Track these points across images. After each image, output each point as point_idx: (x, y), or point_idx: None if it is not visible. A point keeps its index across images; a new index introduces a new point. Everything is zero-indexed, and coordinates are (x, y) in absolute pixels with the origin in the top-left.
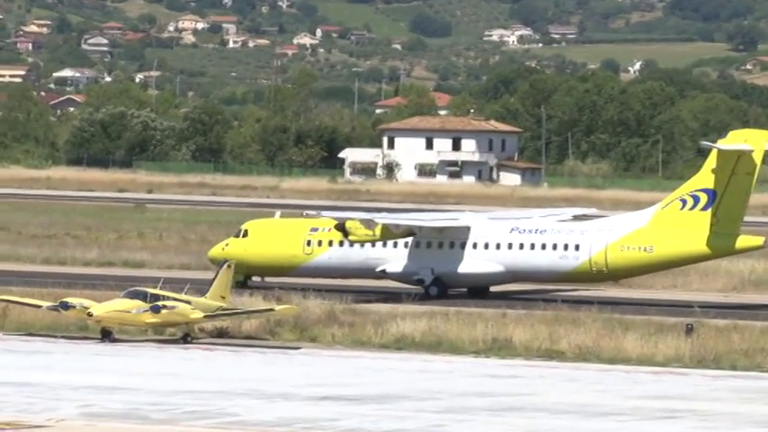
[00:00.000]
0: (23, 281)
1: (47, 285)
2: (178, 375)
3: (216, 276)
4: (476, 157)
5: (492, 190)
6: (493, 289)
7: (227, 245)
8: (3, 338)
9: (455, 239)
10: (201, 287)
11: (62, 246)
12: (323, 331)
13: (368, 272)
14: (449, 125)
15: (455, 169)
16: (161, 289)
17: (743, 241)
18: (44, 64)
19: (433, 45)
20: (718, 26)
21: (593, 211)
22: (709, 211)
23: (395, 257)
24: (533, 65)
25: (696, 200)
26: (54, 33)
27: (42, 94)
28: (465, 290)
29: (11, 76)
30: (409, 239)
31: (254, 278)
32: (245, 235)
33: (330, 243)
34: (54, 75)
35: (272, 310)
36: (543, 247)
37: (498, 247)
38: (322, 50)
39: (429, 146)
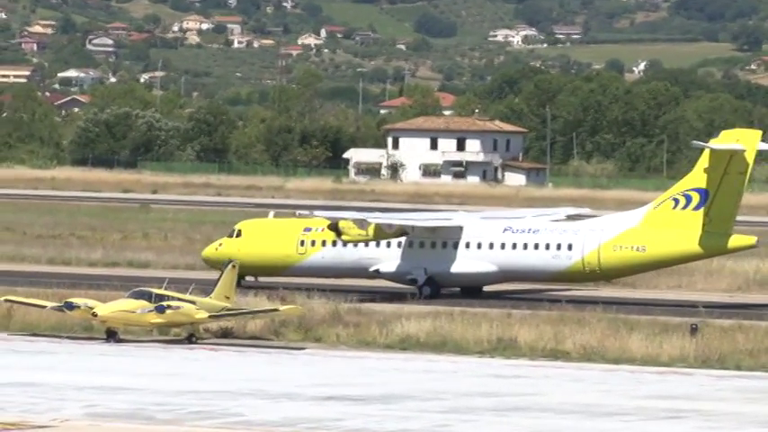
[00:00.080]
0: (28, 281)
1: (51, 285)
2: (183, 375)
3: (220, 276)
4: (480, 158)
5: (497, 190)
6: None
7: (220, 245)
8: (7, 339)
9: (448, 239)
10: (206, 287)
11: (67, 246)
12: (327, 331)
13: (361, 271)
14: (453, 125)
15: (460, 169)
16: (166, 289)
17: (735, 240)
18: (49, 64)
19: (437, 45)
20: (723, 26)
21: (586, 210)
22: (702, 210)
23: (388, 257)
24: (538, 65)
25: (688, 199)
26: (59, 34)
27: (47, 94)
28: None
29: (15, 76)
30: (402, 239)
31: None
32: (239, 235)
33: (323, 243)
34: (59, 75)
35: (276, 310)
36: (536, 246)
37: (491, 246)
38: (327, 51)
39: (434, 146)
